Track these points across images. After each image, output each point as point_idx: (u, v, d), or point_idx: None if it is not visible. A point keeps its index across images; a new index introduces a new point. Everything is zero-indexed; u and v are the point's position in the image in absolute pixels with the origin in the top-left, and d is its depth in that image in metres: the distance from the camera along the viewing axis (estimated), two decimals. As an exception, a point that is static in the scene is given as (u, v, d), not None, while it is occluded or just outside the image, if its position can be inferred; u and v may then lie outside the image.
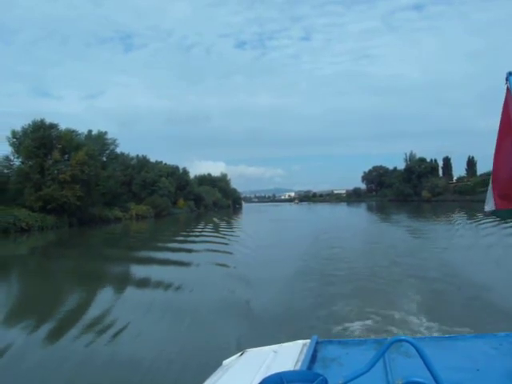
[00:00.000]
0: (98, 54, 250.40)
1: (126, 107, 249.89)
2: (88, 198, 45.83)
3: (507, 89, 2.67)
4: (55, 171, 42.45)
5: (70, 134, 45.78)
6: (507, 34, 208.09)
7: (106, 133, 62.90)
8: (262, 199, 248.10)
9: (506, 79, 2.67)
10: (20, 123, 43.30)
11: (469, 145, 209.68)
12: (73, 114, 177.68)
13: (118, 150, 67.29)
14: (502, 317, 7.67)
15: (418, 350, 1.62)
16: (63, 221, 43.52)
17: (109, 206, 55.96)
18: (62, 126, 45.06)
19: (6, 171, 43.62)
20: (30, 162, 42.24)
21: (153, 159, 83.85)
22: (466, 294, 10.29)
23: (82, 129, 50.92)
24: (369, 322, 8.06)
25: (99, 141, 60.60)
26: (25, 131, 43.08)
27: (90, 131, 61.20)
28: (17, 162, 43.92)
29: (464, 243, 20.59)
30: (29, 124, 43.05)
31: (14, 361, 7.16)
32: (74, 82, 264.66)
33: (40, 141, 42.25)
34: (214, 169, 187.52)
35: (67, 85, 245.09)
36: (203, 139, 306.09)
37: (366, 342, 2.66)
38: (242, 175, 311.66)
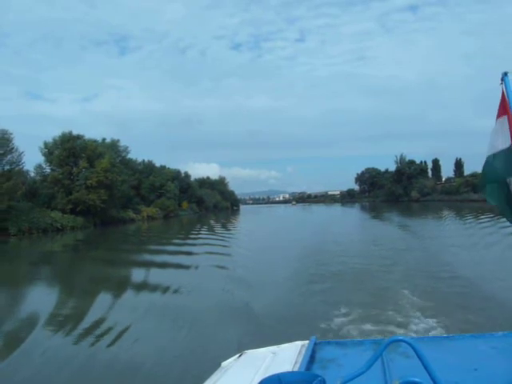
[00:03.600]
0: (93, 56, 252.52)
1: (121, 110, 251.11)
2: (110, 201, 50.94)
3: (502, 89, 2.67)
4: (83, 177, 47.56)
5: (94, 143, 50.94)
6: (502, 36, 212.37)
7: (118, 140, 67.87)
8: (257, 201, 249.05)
9: (502, 79, 2.67)
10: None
11: (462, 146, 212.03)
12: (68, 117, 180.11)
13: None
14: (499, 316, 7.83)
15: (415, 350, 1.64)
16: (89, 221, 48.65)
17: (123, 208, 61.06)
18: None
19: (38, 178, 48.66)
20: (60, 170, 47.34)
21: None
22: (464, 291, 10.42)
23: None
24: (367, 321, 8.12)
25: (113, 148, 65.37)
26: (55, 142, 48.22)
27: (104, 139, 65.76)
28: (47, 170, 49.03)
29: (446, 239, 22.49)
30: (58, 136, 48.34)
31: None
32: (69, 85, 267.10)
33: (69, 150, 47.45)
34: (208, 171, 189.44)
35: (62, 88, 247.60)
36: (197, 141, 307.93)
37: (364, 342, 2.70)
38: (236, 177, 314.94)
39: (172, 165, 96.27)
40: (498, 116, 2.74)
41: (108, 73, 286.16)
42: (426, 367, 1.61)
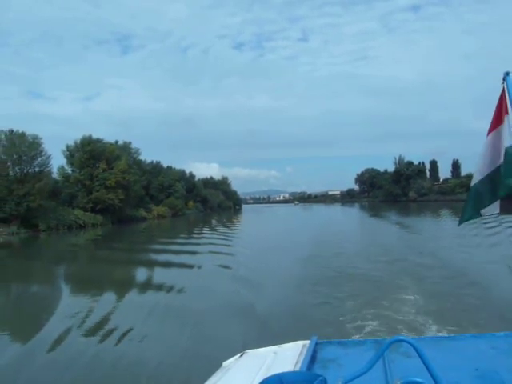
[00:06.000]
0: (95, 55, 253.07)
1: (122, 109, 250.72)
2: (126, 201, 54.62)
3: (503, 88, 2.70)
4: (102, 178, 51.25)
5: (112, 146, 54.63)
6: (502, 35, 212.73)
7: (130, 143, 71.39)
8: (257, 201, 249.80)
9: (503, 79, 2.70)
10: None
11: (462, 146, 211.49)
12: (69, 116, 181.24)
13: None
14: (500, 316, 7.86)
15: (416, 350, 1.64)
16: (107, 219, 52.32)
17: (135, 207, 64.65)
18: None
19: (60, 178, 52.35)
20: (82, 171, 51.02)
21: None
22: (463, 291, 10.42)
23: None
24: (368, 322, 8.18)
25: (125, 150, 68.79)
26: (76, 145, 51.93)
27: (116, 141, 69.39)
28: (69, 171, 52.65)
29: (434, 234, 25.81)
30: (80, 139, 52.14)
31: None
32: (71, 84, 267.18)
33: (89, 153, 51.14)
34: (209, 170, 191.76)
35: (63, 87, 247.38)
36: (198, 140, 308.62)
37: (365, 342, 2.70)
38: (237, 177, 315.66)
39: (172, 164, 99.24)
40: (492, 129, 2.78)
41: (110, 72, 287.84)
42: (427, 367, 1.62)
